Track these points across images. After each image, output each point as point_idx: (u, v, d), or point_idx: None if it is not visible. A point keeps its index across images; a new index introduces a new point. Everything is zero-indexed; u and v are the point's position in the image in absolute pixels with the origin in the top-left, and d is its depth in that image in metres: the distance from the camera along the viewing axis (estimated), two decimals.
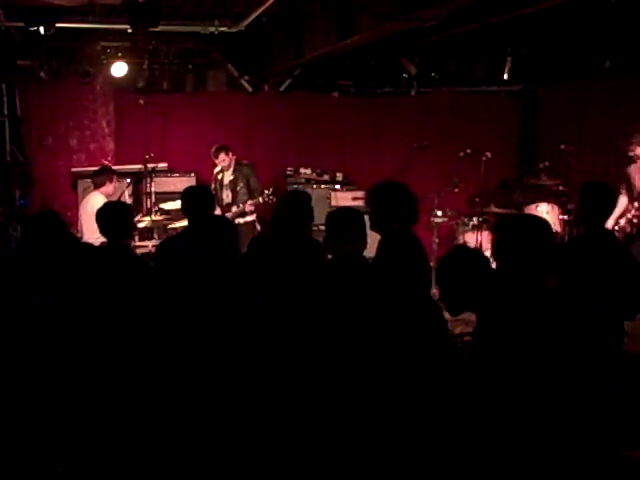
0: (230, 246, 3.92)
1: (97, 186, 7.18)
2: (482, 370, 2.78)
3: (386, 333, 3.35)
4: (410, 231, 4.10)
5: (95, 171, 7.44)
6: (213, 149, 8.02)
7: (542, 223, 2.96)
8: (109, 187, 7.17)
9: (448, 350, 3.72)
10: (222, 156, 7.93)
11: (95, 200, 6.97)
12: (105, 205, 4.59)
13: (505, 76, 8.74)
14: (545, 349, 2.62)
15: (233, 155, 8.01)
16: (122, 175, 8.18)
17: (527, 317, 2.67)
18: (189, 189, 5.26)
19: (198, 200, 4.95)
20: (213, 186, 8.03)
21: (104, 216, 4.32)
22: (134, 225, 5.85)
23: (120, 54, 8.41)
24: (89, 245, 5.30)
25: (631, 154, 6.70)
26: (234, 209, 7.76)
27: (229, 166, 7.99)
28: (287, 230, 4.24)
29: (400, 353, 3.32)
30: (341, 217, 3.79)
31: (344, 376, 3.26)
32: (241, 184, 7.90)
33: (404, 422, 3.19)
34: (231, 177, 7.99)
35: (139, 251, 6.82)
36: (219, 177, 8.09)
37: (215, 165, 8.09)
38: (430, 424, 3.10)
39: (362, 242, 3.74)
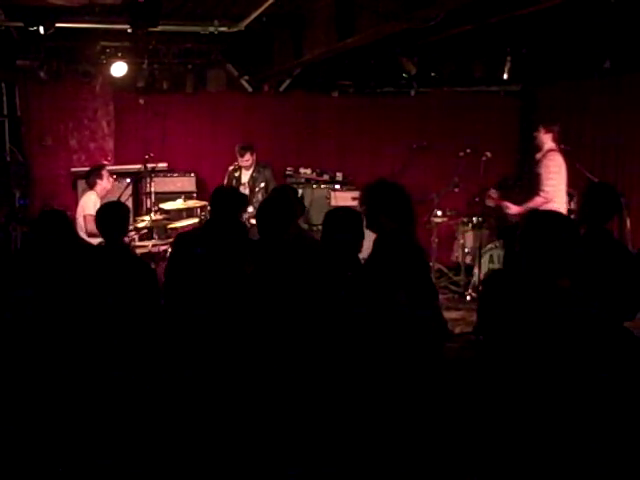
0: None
1: (90, 187, 7.17)
2: (491, 364, 2.76)
3: (376, 336, 3.35)
4: (406, 231, 4.07)
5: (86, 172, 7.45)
6: (238, 147, 7.93)
7: (570, 222, 2.94)
8: (102, 185, 7.13)
9: (441, 356, 3.72)
10: (247, 156, 7.85)
11: (85, 199, 7.00)
12: (103, 205, 4.61)
13: (505, 76, 8.74)
14: (552, 349, 2.61)
15: (256, 156, 7.97)
16: (122, 175, 8.18)
17: (538, 315, 2.65)
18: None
19: (229, 203, 4.89)
20: (226, 182, 7.96)
21: (103, 216, 4.33)
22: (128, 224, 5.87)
23: (120, 54, 8.38)
24: (87, 245, 5.32)
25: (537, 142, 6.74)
26: (250, 209, 7.43)
27: (250, 166, 7.95)
28: (267, 230, 4.19)
29: (390, 356, 3.31)
30: (338, 218, 3.77)
31: (337, 376, 3.27)
32: (261, 185, 7.82)
33: (395, 423, 3.19)
34: (250, 176, 7.93)
35: (139, 251, 6.81)
36: (235, 174, 7.98)
37: (231, 162, 7.95)
38: (420, 426, 3.11)
39: (358, 244, 3.72)
